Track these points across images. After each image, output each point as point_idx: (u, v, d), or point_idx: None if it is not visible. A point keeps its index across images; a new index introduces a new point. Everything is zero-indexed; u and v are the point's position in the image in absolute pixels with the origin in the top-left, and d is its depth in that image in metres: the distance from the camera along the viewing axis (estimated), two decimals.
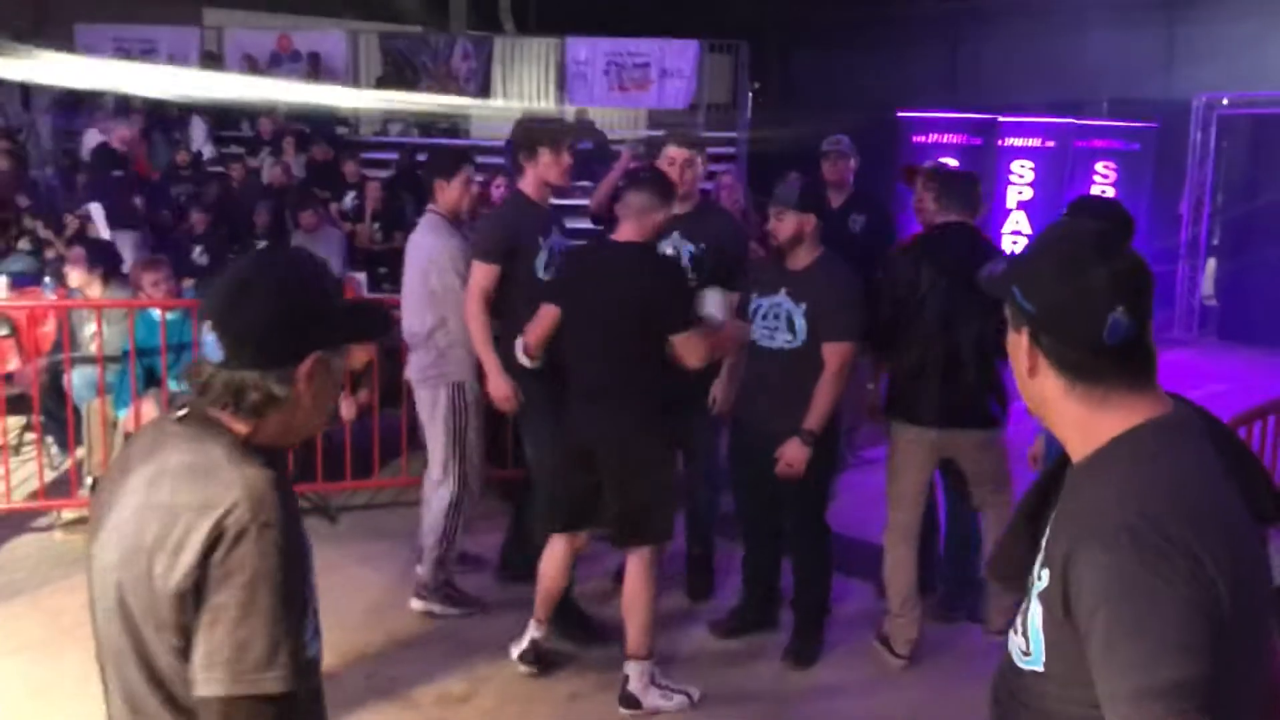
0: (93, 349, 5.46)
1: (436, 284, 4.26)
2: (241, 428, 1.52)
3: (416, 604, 4.41)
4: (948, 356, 3.92)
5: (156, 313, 5.24)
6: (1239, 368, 9.69)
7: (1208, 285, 11.81)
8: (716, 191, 6.34)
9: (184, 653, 1.43)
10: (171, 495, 1.45)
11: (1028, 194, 10.76)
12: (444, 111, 14.53)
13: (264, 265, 1.61)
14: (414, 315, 4.32)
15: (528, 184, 4.29)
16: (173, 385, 5.19)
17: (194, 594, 1.40)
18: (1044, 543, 1.44)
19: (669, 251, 4.25)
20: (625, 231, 3.73)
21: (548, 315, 3.84)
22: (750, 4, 17.74)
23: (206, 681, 1.39)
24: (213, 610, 1.40)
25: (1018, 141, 10.44)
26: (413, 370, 4.40)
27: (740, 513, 4.41)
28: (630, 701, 3.73)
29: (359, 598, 4.52)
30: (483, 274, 4.14)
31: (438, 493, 4.34)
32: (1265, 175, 10.88)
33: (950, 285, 3.83)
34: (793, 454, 3.87)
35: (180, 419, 1.55)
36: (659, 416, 3.75)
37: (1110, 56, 15.11)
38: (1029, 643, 1.43)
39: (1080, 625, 1.30)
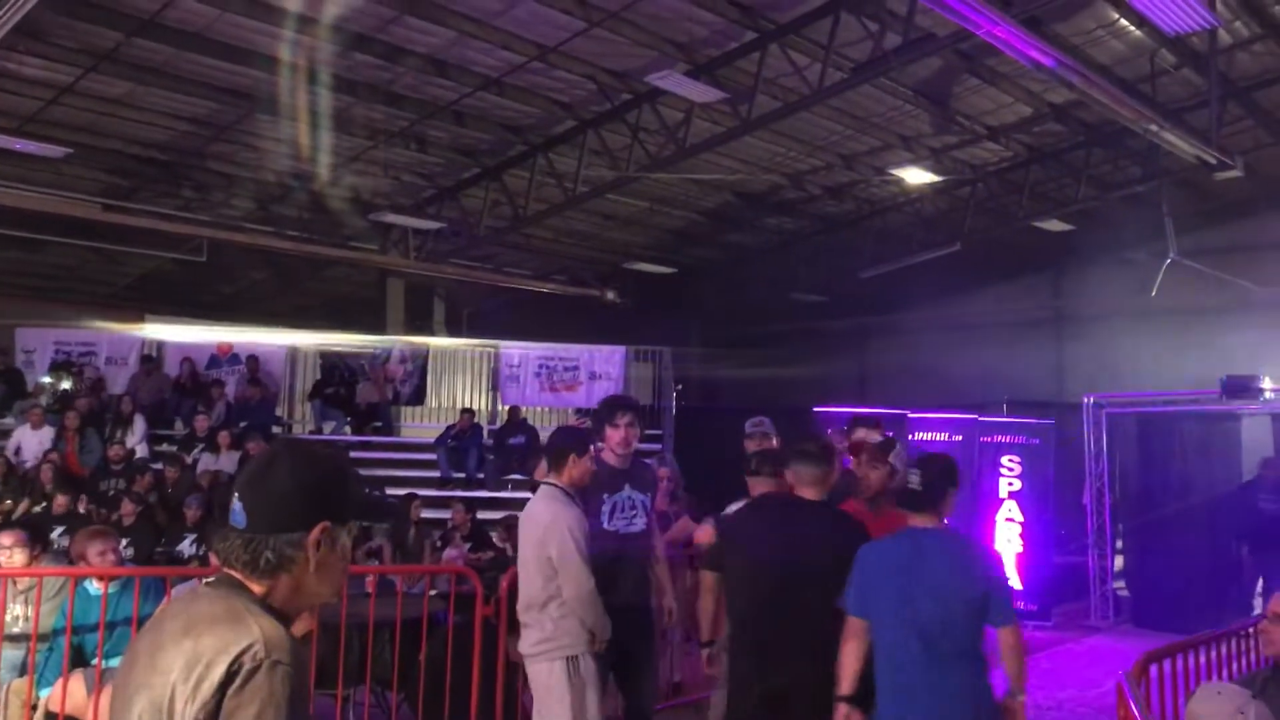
0: (15, 629, 5.34)
1: (554, 552, 4.21)
2: (258, 587, 1.72)
3: None
4: None
5: (95, 588, 5.18)
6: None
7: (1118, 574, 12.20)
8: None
9: None
10: (195, 640, 1.61)
11: None
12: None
13: (289, 446, 1.86)
14: (530, 585, 4.30)
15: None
16: (106, 662, 5.03)
17: None
18: None
19: None
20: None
21: None
22: (671, 321, 18.97)
23: None
24: None
25: (926, 436, 11.08)
26: (525, 644, 4.34)
27: None
28: None
29: None
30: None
31: None
32: (1154, 469, 11.60)
33: None
34: None
35: (209, 582, 1.76)
36: None
37: (1005, 363, 16.37)
38: None
39: None
